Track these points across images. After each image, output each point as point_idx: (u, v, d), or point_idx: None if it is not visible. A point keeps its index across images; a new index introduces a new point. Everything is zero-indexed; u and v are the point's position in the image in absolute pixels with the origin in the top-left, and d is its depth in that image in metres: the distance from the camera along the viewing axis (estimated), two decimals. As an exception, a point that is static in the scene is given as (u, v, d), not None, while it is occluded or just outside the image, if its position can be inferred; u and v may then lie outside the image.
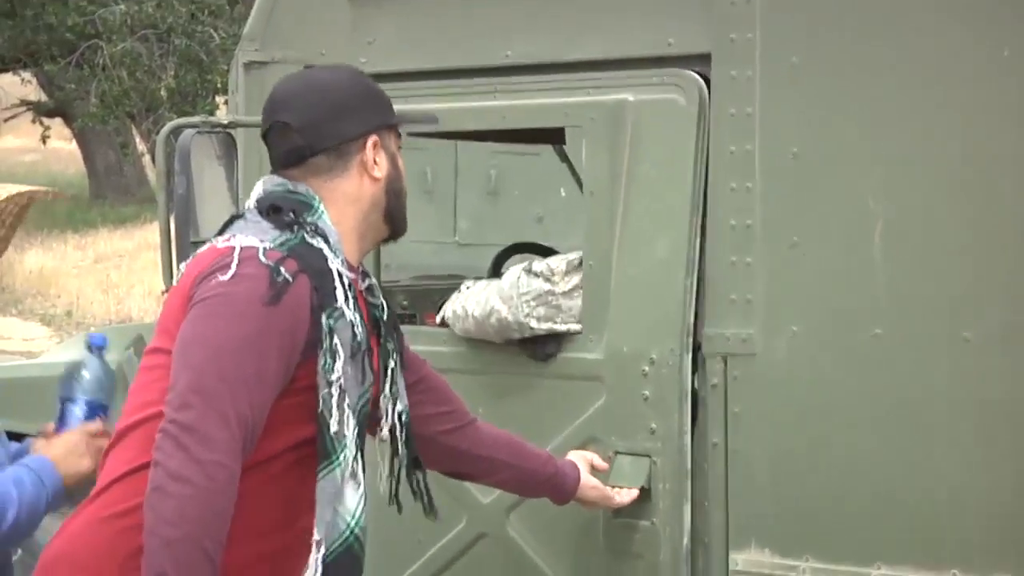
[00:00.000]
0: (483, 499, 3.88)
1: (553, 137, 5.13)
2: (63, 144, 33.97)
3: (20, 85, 28.89)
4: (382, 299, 2.97)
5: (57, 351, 6.09)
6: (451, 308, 3.91)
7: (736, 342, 3.57)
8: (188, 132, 4.07)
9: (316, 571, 2.70)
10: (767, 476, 3.55)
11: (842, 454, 3.47)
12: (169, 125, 4.19)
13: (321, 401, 2.70)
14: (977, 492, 3.34)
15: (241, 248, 2.69)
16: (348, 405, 2.73)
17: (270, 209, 2.79)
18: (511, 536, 3.85)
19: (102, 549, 2.69)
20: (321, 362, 2.69)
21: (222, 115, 4.29)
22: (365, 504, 2.78)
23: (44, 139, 28.26)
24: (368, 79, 2.98)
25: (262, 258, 2.67)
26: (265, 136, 2.91)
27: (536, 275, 3.76)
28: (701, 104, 3.60)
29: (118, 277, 19.78)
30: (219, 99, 21.87)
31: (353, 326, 2.75)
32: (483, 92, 3.90)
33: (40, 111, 28.94)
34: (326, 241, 2.77)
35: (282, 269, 2.66)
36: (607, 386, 3.70)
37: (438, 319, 4.01)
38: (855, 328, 3.45)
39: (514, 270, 3.83)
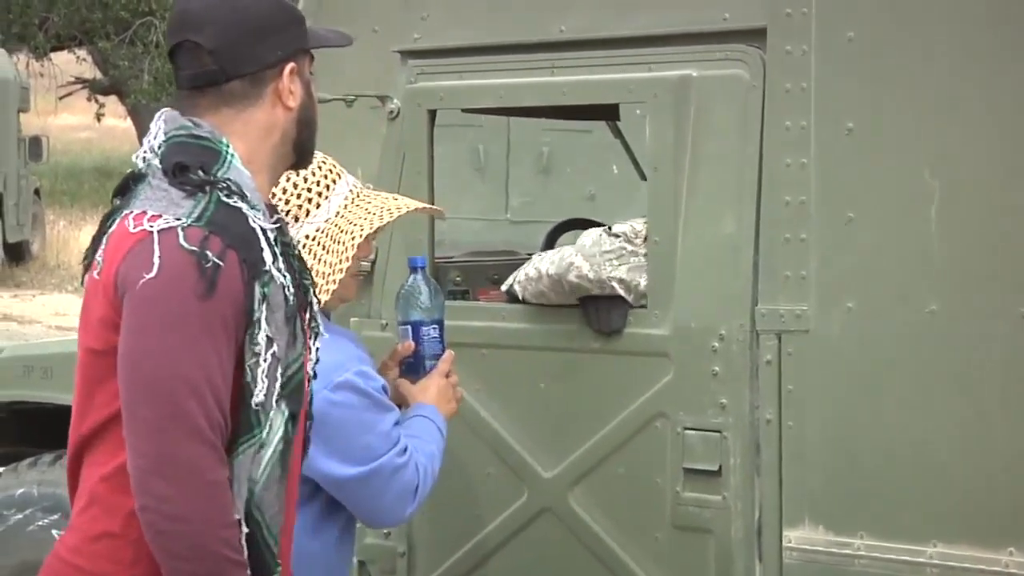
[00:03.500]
0: (545, 473, 3.87)
1: (607, 113, 5.11)
2: (118, 122, 34.16)
3: (75, 63, 29.07)
4: (289, 234, 2.72)
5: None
6: (520, 274, 3.89)
7: (790, 319, 3.55)
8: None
9: (242, 551, 2.50)
10: (821, 453, 3.53)
11: (897, 431, 3.46)
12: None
13: (247, 371, 2.50)
14: (1034, 470, 3.32)
15: (158, 233, 2.46)
16: (279, 373, 2.54)
17: (175, 169, 2.54)
18: (575, 510, 3.84)
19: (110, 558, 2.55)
20: (250, 332, 2.50)
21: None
22: (267, 469, 2.54)
23: (99, 117, 28.45)
24: None
25: (183, 243, 2.45)
26: (171, 54, 2.70)
27: (616, 236, 3.75)
28: (765, 79, 3.59)
29: (172, 254, 19.88)
30: (272, 77, 21.90)
31: (284, 288, 2.56)
32: (540, 68, 3.88)
33: (95, 89, 29.12)
34: (242, 197, 2.55)
35: (208, 253, 2.45)
36: (675, 362, 3.69)
37: (504, 287, 4.00)
38: (910, 304, 3.43)
39: (594, 231, 3.82)
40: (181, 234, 2.47)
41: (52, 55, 26.71)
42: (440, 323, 3.43)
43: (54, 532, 4.66)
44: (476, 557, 3.98)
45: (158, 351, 2.43)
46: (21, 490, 4.74)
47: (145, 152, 2.62)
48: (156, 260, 2.45)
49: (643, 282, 3.72)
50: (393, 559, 4.07)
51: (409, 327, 3.41)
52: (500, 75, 3.94)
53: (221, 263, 2.46)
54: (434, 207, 3.59)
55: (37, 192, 21.19)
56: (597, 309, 3.77)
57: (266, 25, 2.63)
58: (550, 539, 3.90)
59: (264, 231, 2.55)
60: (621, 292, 3.72)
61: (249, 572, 2.50)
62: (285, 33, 2.66)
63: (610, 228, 3.79)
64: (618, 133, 5.34)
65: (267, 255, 2.54)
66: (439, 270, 4.26)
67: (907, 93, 3.44)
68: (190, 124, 2.61)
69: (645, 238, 3.74)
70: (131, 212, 2.55)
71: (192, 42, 2.61)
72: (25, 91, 20.69)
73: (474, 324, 3.91)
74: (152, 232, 2.48)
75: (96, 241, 2.62)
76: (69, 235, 21.98)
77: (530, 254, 5.09)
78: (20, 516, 4.72)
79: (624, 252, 3.74)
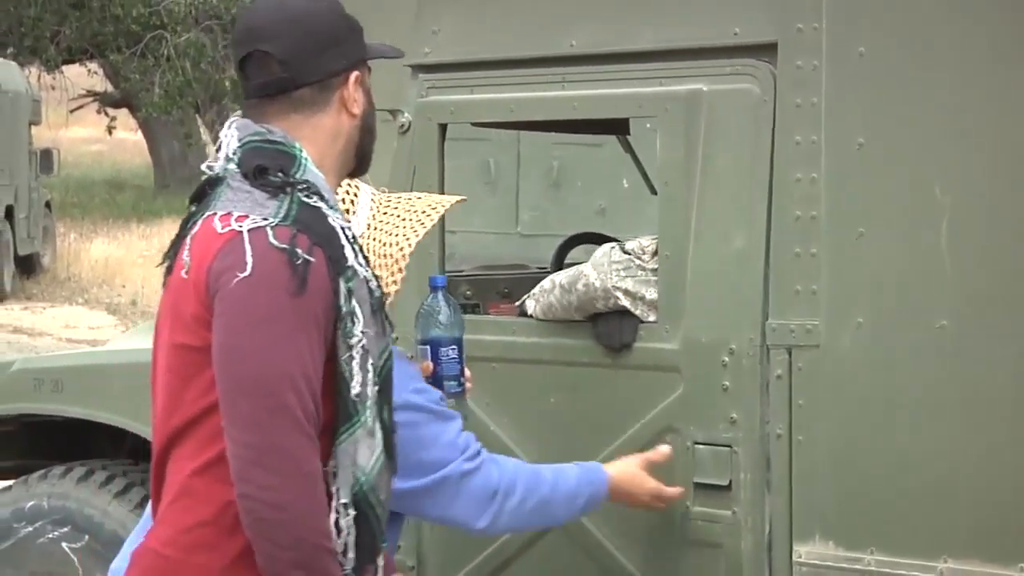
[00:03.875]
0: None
1: (617, 128, 5.12)
2: (129, 135, 34.25)
3: (86, 76, 29.15)
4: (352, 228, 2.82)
5: (122, 339, 6.15)
6: (536, 288, 3.91)
7: (801, 333, 3.55)
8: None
9: (349, 533, 2.62)
10: (831, 468, 3.53)
11: (907, 446, 3.45)
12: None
13: (342, 364, 2.61)
14: (1044, 486, 3.32)
15: (248, 233, 2.57)
16: (371, 364, 2.64)
17: (256, 171, 2.64)
18: (584, 525, 3.83)
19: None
20: (341, 327, 2.60)
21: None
22: (378, 459, 2.66)
23: (110, 130, 28.54)
24: (345, 11, 2.85)
25: (273, 241, 2.55)
26: (241, 65, 2.75)
27: (627, 252, 3.77)
28: (775, 94, 3.59)
29: (182, 267, 19.87)
30: (282, 90, 21.93)
31: (367, 281, 2.66)
32: (551, 82, 3.89)
33: (106, 102, 29.22)
34: (320, 197, 2.66)
35: (298, 250, 2.55)
36: (685, 376, 3.69)
37: (518, 303, 4.00)
38: (920, 320, 3.43)
39: (606, 245, 3.83)
40: (271, 233, 2.57)
41: (63, 68, 26.79)
42: (459, 344, 3.43)
43: (64, 545, 4.66)
44: (486, 571, 3.98)
45: (256, 347, 2.53)
46: (31, 503, 4.75)
47: (219, 160, 2.71)
48: (249, 259, 2.54)
49: (648, 294, 3.72)
50: (403, 573, 4.07)
51: (428, 347, 3.41)
52: (511, 89, 3.94)
53: (312, 259, 2.56)
54: (458, 196, 3.53)
55: (48, 205, 21.22)
56: (607, 323, 3.77)
57: (331, 35, 2.75)
58: (560, 554, 3.90)
59: (343, 229, 2.65)
60: (625, 303, 3.72)
61: (353, 555, 2.62)
62: (348, 43, 2.78)
63: (623, 244, 3.80)
64: (628, 147, 5.34)
65: (348, 252, 2.64)
66: (450, 284, 4.26)
67: (917, 109, 3.45)
68: (264, 130, 2.70)
69: (653, 254, 3.74)
70: (215, 213, 2.64)
71: (262, 52, 2.71)
72: (36, 104, 20.73)
73: (485, 338, 3.91)
74: (242, 231, 2.57)
75: (176, 243, 2.71)
76: (80, 248, 22.01)
77: (541, 268, 5.11)
78: (30, 529, 4.72)
79: (632, 266, 3.75)
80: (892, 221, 3.47)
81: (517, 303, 4.03)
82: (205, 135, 28.34)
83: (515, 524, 3.40)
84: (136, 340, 5.50)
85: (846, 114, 3.51)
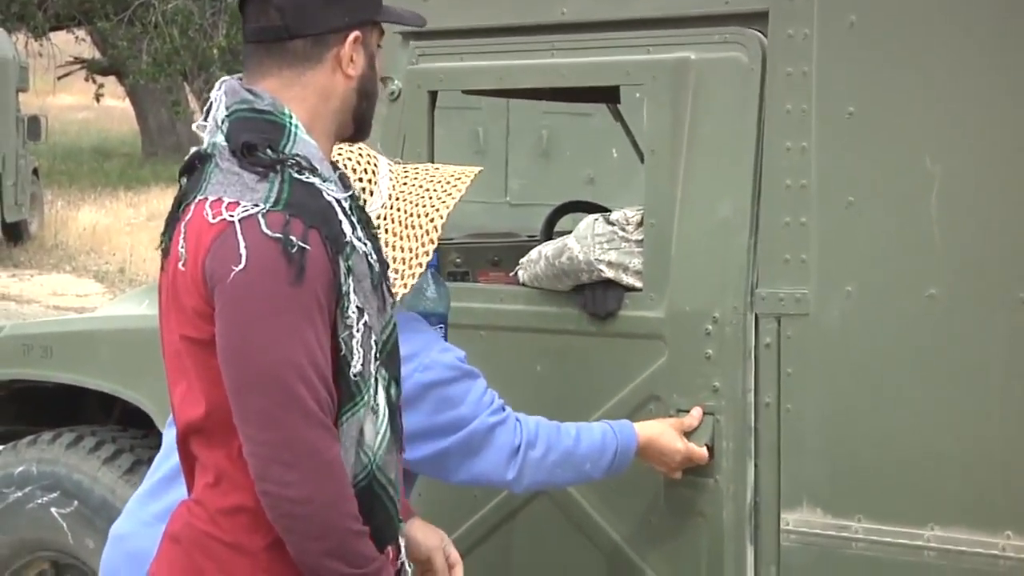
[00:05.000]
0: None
1: (607, 96, 5.11)
2: (116, 102, 34.14)
3: (74, 43, 29.05)
4: (353, 188, 2.70)
5: (110, 307, 6.14)
6: (525, 257, 3.91)
7: (790, 302, 3.56)
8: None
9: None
10: (820, 436, 3.54)
11: (895, 415, 3.46)
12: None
13: (342, 343, 2.53)
14: (1032, 454, 3.33)
15: (240, 223, 2.47)
16: (374, 341, 2.58)
17: (243, 149, 2.53)
18: (569, 492, 3.84)
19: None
20: (341, 306, 2.53)
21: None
22: (385, 434, 2.61)
23: (98, 97, 28.43)
24: None
25: (266, 230, 2.46)
26: (241, 5, 2.65)
27: (611, 223, 3.76)
28: (763, 63, 3.58)
29: (170, 235, 19.85)
30: (270, 58, 21.88)
31: (367, 256, 2.58)
32: (540, 50, 3.88)
33: (94, 69, 29.11)
34: (313, 171, 2.54)
35: (293, 238, 2.46)
36: (669, 344, 3.69)
37: (511, 274, 4.01)
38: (910, 288, 3.44)
39: (590, 217, 3.83)
40: (262, 221, 2.48)
41: (51, 35, 26.68)
42: (445, 321, 3.43)
43: (53, 510, 4.67)
44: (471, 539, 3.98)
45: (261, 342, 2.46)
46: (20, 468, 4.75)
47: (208, 125, 2.61)
48: (243, 252, 2.46)
49: (632, 264, 3.72)
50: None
51: None
52: (501, 57, 3.93)
53: (307, 246, 2.47)
54: (476, 168, 3.46)
55: (36, 172, 21.17)
56: (593, 292, 3.78)
57: None
58: (544, 522, 3.90)
59: (339, 202, 2.56)
60: (609, 274, 3.72)
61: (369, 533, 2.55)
62: (355, 0, 2.65)
63: (607, 216, 3.80)
64: (619, 116, 5.34)
65: (346, 227, 2.55)
66: (439, 252, 4.26)
67: (909, 78, 3.45)
68: (251, 97, 2.60)
69: (637, 225, 3.74)
70: (206, 198, 2.54)
71: None
72: (24, 71, 20.66)
73: (473, 306, 3.91)
74: (233, 222, 2.48)
75: (169, 225, 2.62)
76: (67, 215, 21.98)
77: (530, 236, 5.11)
78: (19, 494, 4.73)
79: (615, 237, 3.74)
80: (882, 190, 3.47)
81: (511, 273, 4.03)
82: (193, 103, 28.25)
83: (540, 477, 3.39)
84: (124, 307, 5.49)
85: (837, 83, 3.51)
